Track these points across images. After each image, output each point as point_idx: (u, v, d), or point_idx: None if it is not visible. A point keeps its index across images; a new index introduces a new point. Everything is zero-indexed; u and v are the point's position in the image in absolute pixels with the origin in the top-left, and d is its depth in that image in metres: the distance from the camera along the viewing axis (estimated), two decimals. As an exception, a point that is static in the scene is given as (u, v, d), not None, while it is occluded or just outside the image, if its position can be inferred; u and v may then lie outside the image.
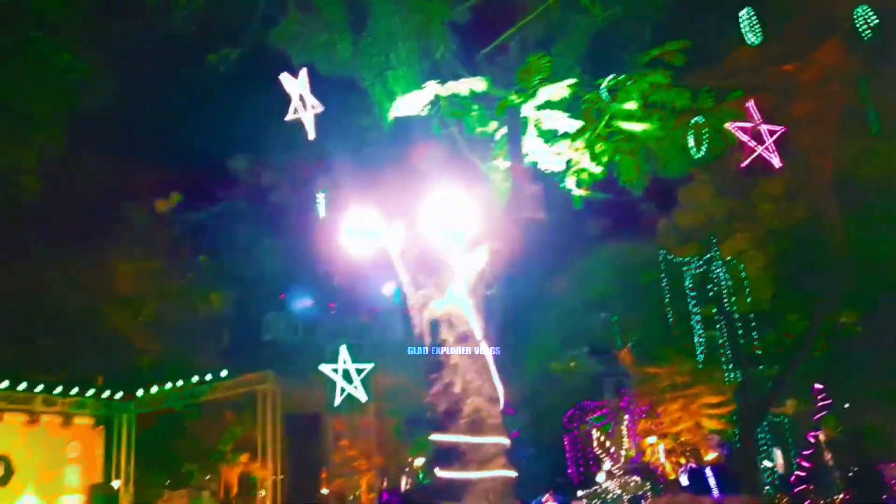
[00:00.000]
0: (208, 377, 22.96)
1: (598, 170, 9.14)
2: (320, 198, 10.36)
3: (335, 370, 15.71)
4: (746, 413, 23.68)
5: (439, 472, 7.34)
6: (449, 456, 7.37)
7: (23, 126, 13.81)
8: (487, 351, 7.68)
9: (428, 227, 7.87)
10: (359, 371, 16.64)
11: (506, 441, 7.38)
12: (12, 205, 15.00)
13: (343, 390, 15.81)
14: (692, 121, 9.39)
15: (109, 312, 27.29)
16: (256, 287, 22.52)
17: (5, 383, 20.42)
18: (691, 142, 9.42)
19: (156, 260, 28.38)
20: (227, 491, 26.51)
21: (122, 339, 27.01)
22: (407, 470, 29.26)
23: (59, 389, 21.82)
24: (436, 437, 7.42)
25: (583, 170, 9.01)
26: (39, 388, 21.28)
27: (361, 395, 16.56)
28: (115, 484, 22.89)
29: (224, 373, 22.97)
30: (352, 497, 29.57)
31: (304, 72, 9.39)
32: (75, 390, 22.20)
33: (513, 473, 7.32)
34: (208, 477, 26.51)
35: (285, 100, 9.43)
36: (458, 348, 7.71)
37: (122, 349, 26.70)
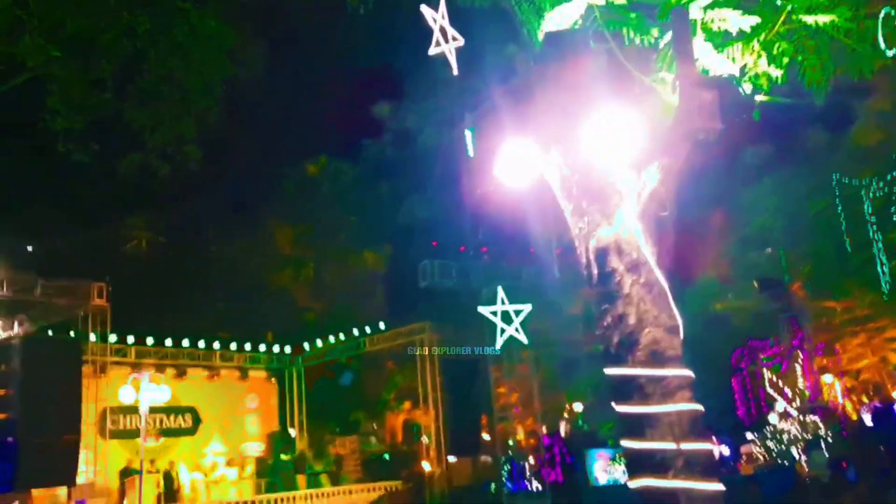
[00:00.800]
0: (368, 330, 23.64)
1: (777, 73, 7.97)
2: (468, 136, 9.79)
3: (494, 312, 15.30)
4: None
5: (618, 408, 6.72)
6: (627, 390, 6.72)
7: (182, 97, 14.38)
8: (662, 278, 6.88)
9: (590, 149, 7.13)
10: (517, 312, 16.16)
11: (689, 373, 6.60)
12: (179, 176, 15.71)
13: (503, 332, 15.38)
14: (882, 11, 8.00)
15: (273, 274, 28.76)
16: (409, 236, 22.59)
17: (186, 342, 22.03)
18: (881, 39, 8.05)
19: (310, 223, 29.45)
20: (393, 437, 27.38)
21: (287, 298, 28.41)
22: (566, 415, 28.86)
23: (234, 346, 23.30)
24: (611, 370, 6.79)
25: (760, 75, 7.89)
26: (217, 345, 22.80)
27: (522, 337, 16.09)
28: (292, 432, 24.28)
29: (382, 325, 23.55)
30: (511, 442, 29.68)
31: (443, 1, 8.83)
32: (248, 346, 23.61)
33: (699, 407, 6.51)
34: (374, 425, 27.48)
35: (426, 38, 8.98)
36: (630, 277, 6.93)
37: (288, 308, 28.09)
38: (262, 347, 24.01)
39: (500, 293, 14.82)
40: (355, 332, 23.59)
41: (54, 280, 15.82)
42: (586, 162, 7.37)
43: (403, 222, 22.89)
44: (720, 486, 6.56)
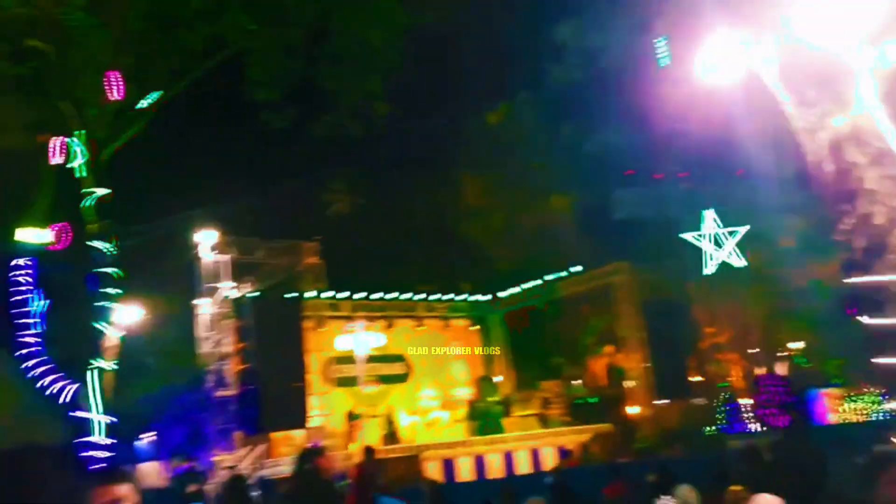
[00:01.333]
0: (563, 273, 23.32)
1: None
2: (661, 46, 8.97)
3: (700, 237, 14.05)
4: None
5: (867, 321, 5.88)
6: (878, 301, 5.84)
7: (367, 55, 14.81)
8: None
9: (814, 26, 6.18)
10: (732, 234, 14.81)
11: None
12: (370, 133, 16.28)
13: (711, 257, 14.09)
14: None
15: (465, 225, 29.22)
16: (599, 171, 21.62)
17: (394, 295, 23.06)
18: None
19: (496, 172, 29.43)
20: (597, 381, 26.98)
21: (481, 248, 28.77)
22: (784, 353, 26.77)
23: (436, 296, 24.06)
24: (857, 279, 5.93)
25: None
26: (421, 296, 23.66)
27: (737, 261, 14.68)
28: (496, 378, 24.72)
29: (578, 268, 23.09)
30: (723, 384, 28.15)
31: None
32: (449, 296, 24.27)
33: None
34: (577, 369, 27.24)
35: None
36: (874, 170, 5.98)
37: (482, 257, 28.47)
38: (462, 297, 24.56)
39: (710, 216, 13.55)
40: (550, 276, 23.34)
41: (273, 242, 17.13)
42: (807, 45, 6.46)
43: (592, 153, 21.89)
44: None
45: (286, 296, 17.12)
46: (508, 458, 18.71)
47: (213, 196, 17.44)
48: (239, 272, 16.55)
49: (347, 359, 21.87)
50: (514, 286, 24.78)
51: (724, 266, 16.72)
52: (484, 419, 21.44)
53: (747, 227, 14.43)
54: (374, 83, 15.13)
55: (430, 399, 22.38)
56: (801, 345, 28.02)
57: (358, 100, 15.34)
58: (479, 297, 25.03)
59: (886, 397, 20.37)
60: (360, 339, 13.91)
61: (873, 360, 6.06)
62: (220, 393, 16.10)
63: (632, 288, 21.73)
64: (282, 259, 17.28)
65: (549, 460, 18.10)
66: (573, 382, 25.33)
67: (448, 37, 21.34)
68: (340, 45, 14.79)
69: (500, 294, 25.21)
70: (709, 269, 13.63)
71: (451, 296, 24.35)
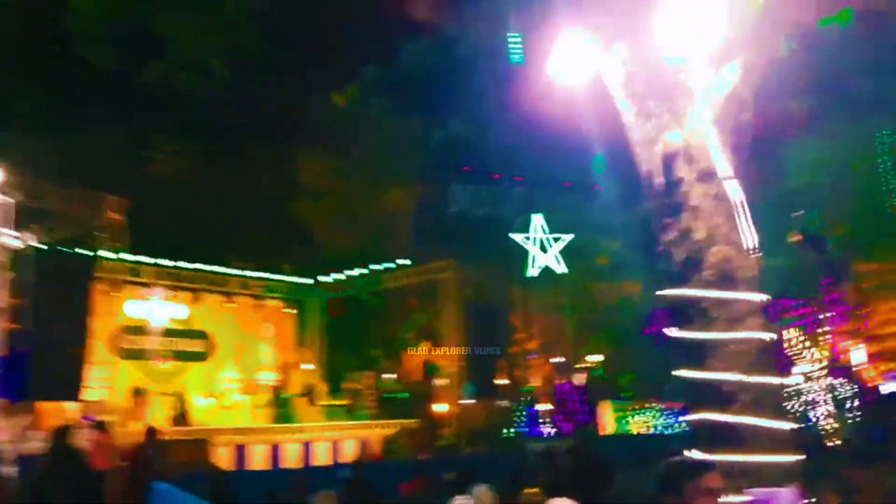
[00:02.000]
0: (390, 265, 22.96)
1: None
2: (514, 42, 8.75)
3: (527, 239, 14.10)
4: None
5: (676, 333, 5.91)
6: (688, 314, 5.89)
7: (214, 7, 13.45)
8: (737, 191, 6.01)
9: (661, 41, 6.14)
10: (556, 240, 15.03)
11: (763, 297, 5.94)
12: (205, 93, 14.86)
13: (535, 260, 14.18)
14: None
15: (297, 205, 28.01)
16: (440, 169, 21.32)
17: (203, 266, 21.45)
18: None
19: (338, 155, 28.50)
20: (410, 376, 26.95)
21: (311, 230, 27.70)
22: (582, 366, 28.26)
23: (251, 273, 22.73)
24: (672, 291, 5.94)
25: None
26: (234, 270, 22.23)
27: (557, 266, 14.88)
28: (305, 366, 23.83)
29: (406, 261, 22.84)
30: (527, 388, 29.21)
31: None
32: (267, 273, 23.03)
33: (772, 335, 5.90)
34: (392, 363, 27.04)
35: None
36: (700, 187, 5.98)
37: (311, 239, 27.43)
38: (282, 276, 23.42)
39: (537, 220, 13.63)
40: (377, 266, 22.89)
41: (70, 189, 15.18)
42: (656, 56, 6.44)
43: (436, 145, 21.63)
44: (791, 425, 5.80)
45: (76, 251, 15.21)
46: (308, 448, 17.97)
47: (5, 126, 15.09)
48: (25, 219, 14.43)
49: (144, 329, 20.09)
50: (338, 272, 24.04)
51: (544, 274, 17.12)
52: (285, 406, 20.57)
53: (571, 237, 14.82)
54: (213, 37, 13.78)
55: (230, 381, 21.09)
56: (600, 358, 29.78)
57: (193, 52, 13.91)
58: (299, 280, 24.00)
59: (685, 413, 21.94)
60: (155, 308, 12.49)
61: (674, 373, 6.10)
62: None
63: (456, 287, 21.82)
64: (79, 210, 15.33)
65: (351, 453, 17.58)
66: (386, 376, 25.09)
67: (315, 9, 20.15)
68: None
69: (323, 279, 24.35)
70: (532, 271, 13.78)
71: (268, 274, 23.12)
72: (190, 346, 21.26)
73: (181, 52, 13.45)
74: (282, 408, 20.49)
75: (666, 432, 22.47)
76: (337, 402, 22.15)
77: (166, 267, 20.46)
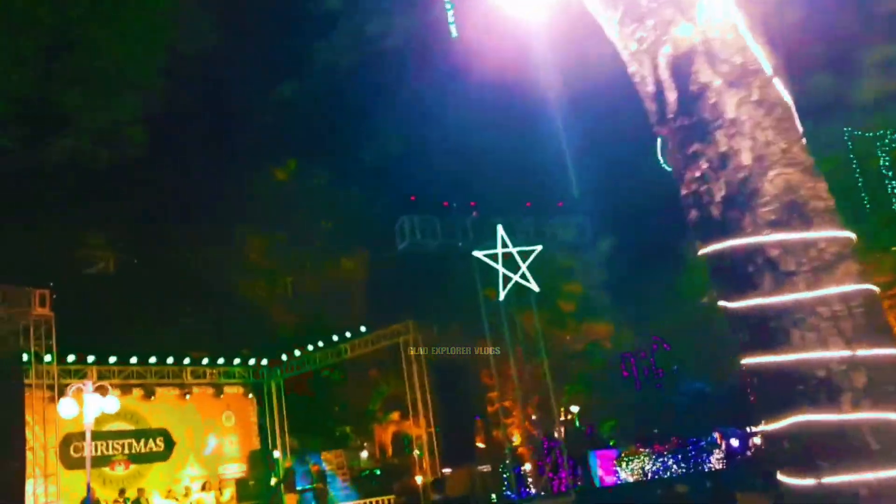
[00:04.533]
0: (348, 335, 21.74)
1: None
2: (448, 14, 7.72)
3: (491, 256, 12.50)
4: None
5: (730, 305, 4.32)
6: (745, 271, 4.20)
7: (118, 71, 12.66)
8: (785, 93, 4.52)
9: None
10: (524, 255, 13.34)
11: (850, 235, 4.30)
12: (125, 168, 13.91)
13: (507, 280, 12.66)
14: None
15: (247, 287, 26.79)
16: (387, 197, 19.76)
17: (153, 359, 20.01)
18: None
19: (283, 231, 27.57)
20: (383, 450, 25.41)
21: (262, 310, 26.45)
22: (562, 419, 27.06)
23: (206, 361, 21.29)
24: (715, 246, 4.35)
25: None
26: (187, 360, 20.78)
27: (530, 284, 13.28)
28: (275, 453, 22.19)
29: (363, 328, 21.67)
30: (507, 449, 27.77)
31: None
32: (221, 360, 21.60)
33: (873, 288, 4.19)
34: (362, 439, 25.53)
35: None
36: (734, 94, 4.42)
37: (263, 320, 26.13)
38: (237, 361, 21.97)
39: (501, 232, 12.16)
40: (335, 337, 21.65)
41: (-13, 287, 13.88)
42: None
43: (378, 181, 20.27)
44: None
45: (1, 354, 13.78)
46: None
47: None
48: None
49: (94, 434, 18.44)
50: (295, 349, 22.70)
51: (510, 321, 15.92)
52: (264, 499, 18.90)
53: (539, 248, 13.26)
54: (127, 104, 12.92)
55: (193, 479, 19.40)
56: (576, 409, 28.60)
57: (105, 122, 13.00)
58: (256, 362, 22.56)
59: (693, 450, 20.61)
60: (88, 403, 11.13)
61: (743, 361, 4.31)
62: None
63: (418, 347, 20.63)
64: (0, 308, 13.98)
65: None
66: (358, 453, 23.56)
67: (231, 70, 19.47)
68: (85, 59, 12.52)
69: (282, 357, 22.95)
70: (501, 294, 12.35)
71: (224, 360, 21.67)
72: (148, 446, 19.67)
73: (90, 122, 12.49)
74: (257, 500, 18.82)
75: (665, 476, 21.25)
76: (310, 486, 20.50)
77: (114, 364, 18.99)
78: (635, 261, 26.74)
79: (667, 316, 28.85)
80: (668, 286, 28.77)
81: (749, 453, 22.34)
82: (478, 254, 11.90)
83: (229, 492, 19.33)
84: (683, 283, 29.16)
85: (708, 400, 27.82)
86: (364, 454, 24.54)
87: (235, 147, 23.15)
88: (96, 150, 12.63)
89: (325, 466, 20.96)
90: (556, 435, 25.84)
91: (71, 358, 17.87)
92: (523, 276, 12.49)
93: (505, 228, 12.04)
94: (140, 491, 17.84)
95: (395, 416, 25.04)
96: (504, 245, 12.14)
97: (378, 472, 23.62)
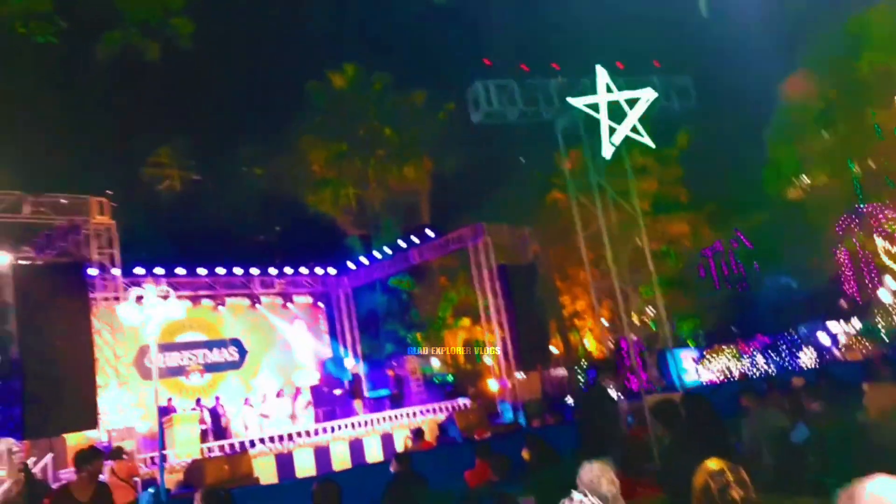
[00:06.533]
0: (415, 240, 20.60)
1: None
2: None
3: (592, 106, 9.87)
4: None
5: None
6: None
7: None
8: None
9: None
10: (631, 102, 10.42)
11: None
12: (169, 54, 12.54)
13: (611, 133, 10.04)
14: None
15: (311, 197, 25.86)
16: (456, 64, 17.88)
17: (222, 270, 19.37)
18: None
19: (343, 139, 26.27)
20: (454, 357, 24.68)
21: (328, 219, 25.58)
22: (637, 318, 25.68)
23: (273, 270, 20.57)
24: None
25: None
26: (255, 270, 20.09)
27: (643, 138, 10.67)
28: (345, 359, 21.63)
29: (430, 233, 20.45)
30: (581, 352, 26.73)
31: None
32: (289, 269, 20.85)
33: None
34: (432, 345, 24.78)
35: None
36: None
37: (330, 230, 25.31)
38: (304, 270, 21.17)
39: (603, 76, 9.91)
40: (401, 243, 20.53)
41: (45, 196, 13.06)
42: None
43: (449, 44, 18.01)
44: None
45: (62, 263, 13.08)
46: (357, 446, 15.72)
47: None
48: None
49: (169, 346, 18.13)
50: (362, 256, 21.76)
51: (585, 212, 13.68)
52: (330, 404, 18.39)
53: (653, 94, 10.69)
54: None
55: (266, 386, 19.00)
56: (653, 311, 27.17)
57: (152, 13, 11.65)
58: (324, 270, 21.74)
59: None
60: (149, 308, 10.31)
61: None
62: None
63: (489, 250, 19.32)
64: (59, 218, 13.23)
65: (402, 446, 15.28)
66: (430, 359, 22.87)
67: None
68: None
69: (348, 265, 22.07)
70: (607, 151, 10.12)
71: (290, 269, 20.90)
72: (221, 356, 19.30)
73: (136, 15, 11.12)
74: (325, 406, 18.30)
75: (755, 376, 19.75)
76: (382, 393, 19.93)
77: (184, 276, 18.43)
78: (716, 149, 24.52)
79: (747, 209, 26.78)
80: (750, 177, 26.50)
81: (840, 350, 20.61)
82: (574, 101, 9.84)
83: (304, 399, 18.85)
84: (767, 174, 26.85)
85: (794, 295, 25.94)
86: (435, 361, 23.83)
87: (292, 51, 21.56)
88: (143, 42, 11.26)
89: (399, 372, 20.31)
90: (630, 336, 24.67)
91: (139, 270, 17.29)
92: (633, 130, 10.35)
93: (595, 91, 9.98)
94: (216, 399, 17.48)
95: (466, 321, 24.17)
96: (608, 91, 10.02)
97: (451, 378, 22.96)
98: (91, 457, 6.62)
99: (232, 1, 14.84)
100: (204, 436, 15.77)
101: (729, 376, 20.76)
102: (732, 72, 23.19)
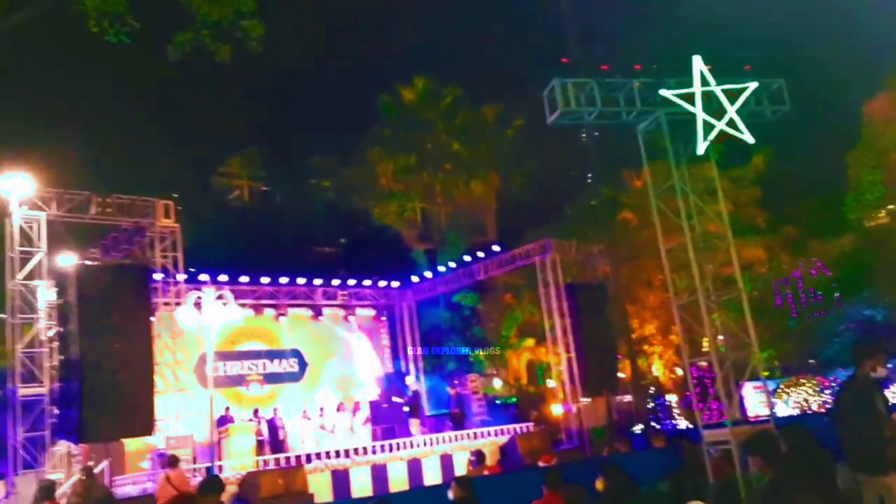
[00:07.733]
0: (480, 254, 19.71)
1: None
2: None
3: (686, 98, 8.70)
4: None
5: None
6: None
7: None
8: None
9: None
10: (732, 97, 9.10)
11: None
12: (244, 65, 12.13)
13: (706, 129, 8.82)
14: None
15: (377, 210, 25.36)
16: (533, 66, 17.15)
17: (285, 279, 18.91)
18: None
19: (411, 153, 25.74)
20: (517, 378, 23.56)
21: (394, 233, 25.00)
22: (707, 344, 23.96)
23: (337, 282, 19.99)
24: None
25: None
26: (318, 281, 19.54)
27: (743, 134, 9.40)
28: (406, 376, 20.80)
29: (496, 248, 19.52)
30: (649, 379, 25.16)
31: None
32: (352, 281, 20.24)
33: None
34: (495, 365, 23.75)
35: None
36: None
37: (395, 242, 24.71)
38: (367, 282, 20.51)
39: (698, 64, 8.87)
40: (466, 258, 19.65)
41: (111, 197, 12.77)
42: None
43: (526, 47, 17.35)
44: None
45: (124, 264, 12.72)
46: (415, 466, 14.82)
47: (32, 139, 12.93)
48: (63, 234, 12.11)
49: (229, 354, 17.72)
50: (427, 271, 20.97)
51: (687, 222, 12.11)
52: (388, 421, 17.53)
53: (754, 84, 9.47)
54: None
55: (325, 400, 18.31)
56: (722, 338, 25.45)
57: (225, 15, 11.20)
58: (388, 283, 21.03)
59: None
60: (208, 311, 9.73)
61: None
62: (28, 391, 11.64)
63: (555, 269, 18.25)
64: (125, 220, 12.91)
65: (462, 468, 14.29)
66: (492, 380, 21.82)
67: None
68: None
69: (412, 279, 21.31)
70: (701, 147, 8.93)
71: (354, 281, 20.28)
72: (281, 366, 18.77)
73: (205, 14, 10.65)
74: (383, 423, 17.46)
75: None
76: (442, 411, 18.99)
77: (247, 284, 18.03)
78: (795, 168, 22.85)
79: (828, 235, 24.91)
80: (831, 204, 24.70)
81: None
82: (666, 92, 8.76)
83: (363, 414, 18.07)
84: (849, 201, 24.94)
85: (878, 329, 23.86)
86: (497, 381, 22.78)
87: (368, 65, 21.17)
88: (214, 44, 10.76)
89: (461, 391, 19.32)
90: (699, 364, 22.99)
91: (203, 277, 16.94)
92: (730, 125, 9.10)
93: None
94: (274, 411, 16.89)
95: (530, 342, 23.03)
96: (704, 82, 8.85)
97: (514, 400, 21.84)
98: (220, 488, 6.15)
99: (305, 13, 14.45)
100: (260, 447, 15.19)
101: (806, 409, 19.10)
102: (823, 86, 21.60)
